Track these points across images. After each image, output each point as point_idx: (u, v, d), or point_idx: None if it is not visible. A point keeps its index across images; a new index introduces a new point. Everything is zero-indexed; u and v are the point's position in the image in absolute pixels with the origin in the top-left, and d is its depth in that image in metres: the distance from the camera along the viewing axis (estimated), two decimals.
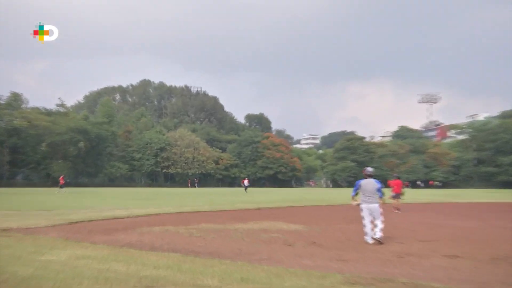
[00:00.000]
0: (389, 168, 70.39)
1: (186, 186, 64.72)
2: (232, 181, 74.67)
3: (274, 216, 12.83)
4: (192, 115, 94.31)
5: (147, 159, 65.12)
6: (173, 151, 67.28)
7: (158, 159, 66.26)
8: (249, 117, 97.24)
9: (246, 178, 41.54)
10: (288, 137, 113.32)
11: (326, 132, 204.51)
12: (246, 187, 38.12)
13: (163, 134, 69.38)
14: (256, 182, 73.03)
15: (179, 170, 67.00)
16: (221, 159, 72.67)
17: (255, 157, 74.57)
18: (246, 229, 9.47)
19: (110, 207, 15.84)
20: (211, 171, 70.16)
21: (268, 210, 15.64)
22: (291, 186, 75.15)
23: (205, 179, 71.59)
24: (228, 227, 9.78)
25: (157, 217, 12.40)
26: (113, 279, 4.60)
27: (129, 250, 6.69)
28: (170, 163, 67.02)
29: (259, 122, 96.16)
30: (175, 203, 19.04)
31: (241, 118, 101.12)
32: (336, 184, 76.25)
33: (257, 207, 16.88)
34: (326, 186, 78.27)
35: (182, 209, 15.28)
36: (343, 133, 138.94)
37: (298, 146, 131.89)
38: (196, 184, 64.14)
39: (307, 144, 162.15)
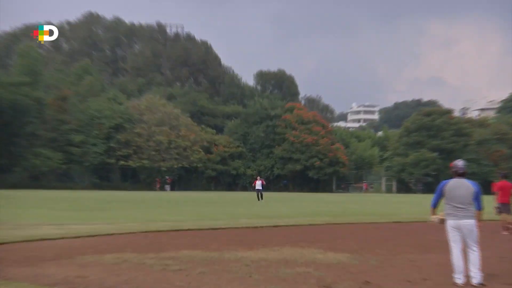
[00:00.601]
0: (494, 163, 69.78)
1: (154, 188, 65.45)
2: (232, 182, 75.36)
3: (302, 239, 12.89)
4: (168, 73, 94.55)
5: (94, 144, 65.53)
6: (136, 131, 67.66)
7: (112, 145, 66.68)
8: (262, 77, 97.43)
9: (259, 178, 41.12)
10: (326, 109, 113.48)
11: (388, 102, 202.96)
12: (259, 192, 37.79)
13: (120, 104, 69.83)
14: (273, 183, 73.36)
15: (145, 162, 67.35)
16: (216, 145, 73.02)
17: (272, 142, 74.78)
18: (257, 260, 9.57)
19: (33, 222, 15.91)
20: (199, 165, 70.64)
21: (292, 229, 15.72)
22: (330, 191, 75.31)
23: (188, 178, 72.23)
24: (227, 257, 9.90)
25: (109, 238, 12.54)
26: None
27: None
28: (131, 151, 67.27)
29: (279, 84, 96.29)
30: (139, 217, 19.22)
31: (249, 78, 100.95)
32: (405, 187, 76.28)
33: (274, 224, 17.08)
34: (389, 190, 78.08)
35: (150, 226, 15.49)
36: (417, 104, 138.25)
37: (342, 124, 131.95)
38: (168, 186, 64.40)
39: (357, 121, 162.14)
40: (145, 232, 14.18)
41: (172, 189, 66.38)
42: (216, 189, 72.50)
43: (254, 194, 38.71)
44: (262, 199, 36.06)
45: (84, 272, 8.24)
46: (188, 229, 14.95)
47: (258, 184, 38.16)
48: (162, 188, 64.19)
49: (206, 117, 79.38)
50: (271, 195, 48.54)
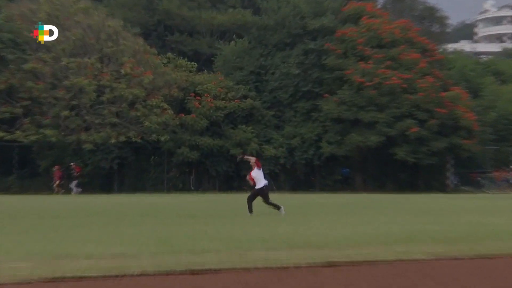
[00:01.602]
0: None
1: (51, 187, 39.12)
2: (233, 172, 43.84)
3: None
4: None
5: None
6: (29, 67, 36.95)
7: None
8: None
9: (253, 160, 18.89)
10: (430, 17, 68.18)
11: None
12: (265, 191, 18.42)
13: None
14: (320, 173, 45.16)
15: (50, 133, 36.94)
16: (198, 96, 42.27)
17: (316, 88, 43.78)
18: None
19: None
20: (163, 138, 39.52)
21: (363, 271, 9.88)
22: (442, 189, 44.82)
23: (141, 166, 42.74)
24: None
25: None
26: None
27: None
28: (19, 111, 37.37)
29: None
30: (41, 248, 12.33)
31: None
32: None
33: (324, 260, 10.92)
34: None
35: (63, 267, 9.49)
36: None
37: (465, 45, 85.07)
38: (74, 183, 39.03)
39: (497, 38, 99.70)
40: (52, 280, 8.62)
41: (107, 188, 39.90)
42: (199, 188, 43.12)
43: (280, 196, 21.68)
44: (280, 208, 17.98)
45: None
46: (142, 273, 9.04)
47: (259, 176, 18.19)
48: (61, 187, 38.18)
49: (176, 37, 48.27)
50: (316, 198, 31.38)
